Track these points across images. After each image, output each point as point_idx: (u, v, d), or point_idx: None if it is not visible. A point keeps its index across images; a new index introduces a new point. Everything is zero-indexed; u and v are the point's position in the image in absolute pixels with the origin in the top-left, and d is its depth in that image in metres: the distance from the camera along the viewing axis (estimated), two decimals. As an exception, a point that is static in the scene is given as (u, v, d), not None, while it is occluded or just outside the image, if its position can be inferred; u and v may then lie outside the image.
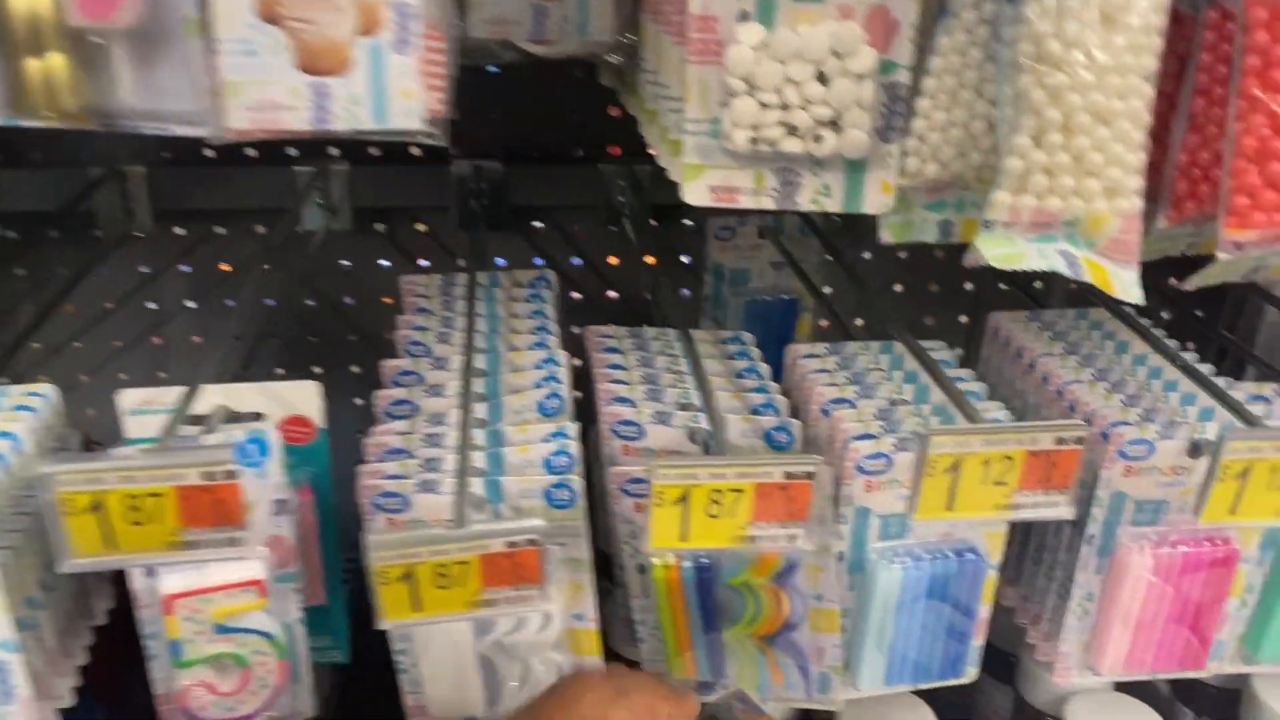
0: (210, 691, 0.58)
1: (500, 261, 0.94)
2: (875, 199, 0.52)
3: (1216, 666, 0.68)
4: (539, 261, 0.95)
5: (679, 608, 0.60)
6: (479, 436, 0.59)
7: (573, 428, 0.59)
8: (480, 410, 0.62)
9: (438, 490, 0.56)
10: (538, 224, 0.94)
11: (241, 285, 0.93)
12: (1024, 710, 0.78)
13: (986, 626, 0.66)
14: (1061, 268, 0.49)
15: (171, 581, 0.56)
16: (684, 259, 0.95)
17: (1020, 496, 0.52)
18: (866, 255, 0.97)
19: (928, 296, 1.00)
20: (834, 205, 0.52)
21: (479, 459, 0.58)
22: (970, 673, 0.67)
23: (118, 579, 0.71)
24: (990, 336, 0.75)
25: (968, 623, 0.64)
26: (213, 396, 0.60)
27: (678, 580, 0.59)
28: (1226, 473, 0.52)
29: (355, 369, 0.97)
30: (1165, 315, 0.70)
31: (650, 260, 0.89)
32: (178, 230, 0.91)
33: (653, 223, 0.91)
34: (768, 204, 0.52)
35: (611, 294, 0.97)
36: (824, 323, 0.92)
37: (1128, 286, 0.50)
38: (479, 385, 0.64)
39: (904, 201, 0.55)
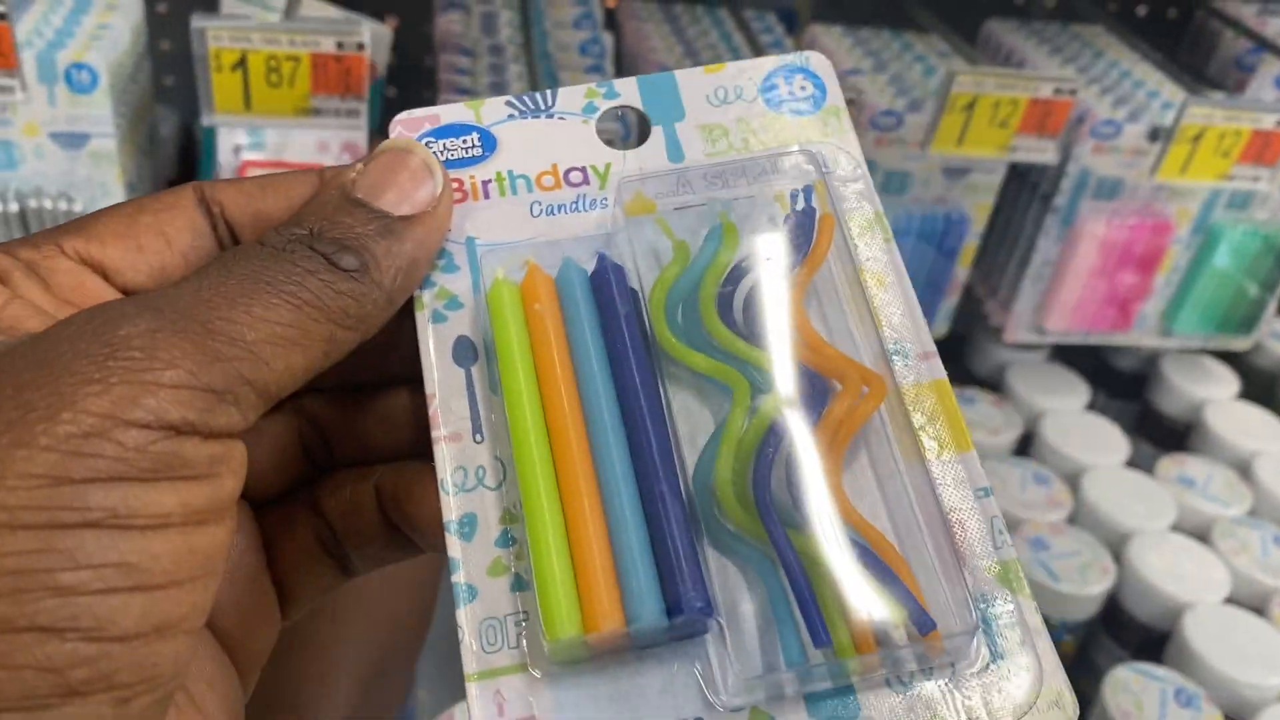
0: None
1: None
2: None
3: (1138, 336, 0.81)
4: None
5: None
6: None
7: None
8: None
9: None
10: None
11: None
12: (968, 379, 0.91)
13: (960, 290, 0.77)
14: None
15: None
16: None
17: (1019, 140, 0.62)
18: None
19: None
20: None
21: None
22: (941, 327, 0.78)
23: None
24: (983, 44, 0.83)
25: (945, 274, 0.75)
26: None
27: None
28: (1184, 135, 0.63)
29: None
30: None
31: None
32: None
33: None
34: None
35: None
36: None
37: None
38: None
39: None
